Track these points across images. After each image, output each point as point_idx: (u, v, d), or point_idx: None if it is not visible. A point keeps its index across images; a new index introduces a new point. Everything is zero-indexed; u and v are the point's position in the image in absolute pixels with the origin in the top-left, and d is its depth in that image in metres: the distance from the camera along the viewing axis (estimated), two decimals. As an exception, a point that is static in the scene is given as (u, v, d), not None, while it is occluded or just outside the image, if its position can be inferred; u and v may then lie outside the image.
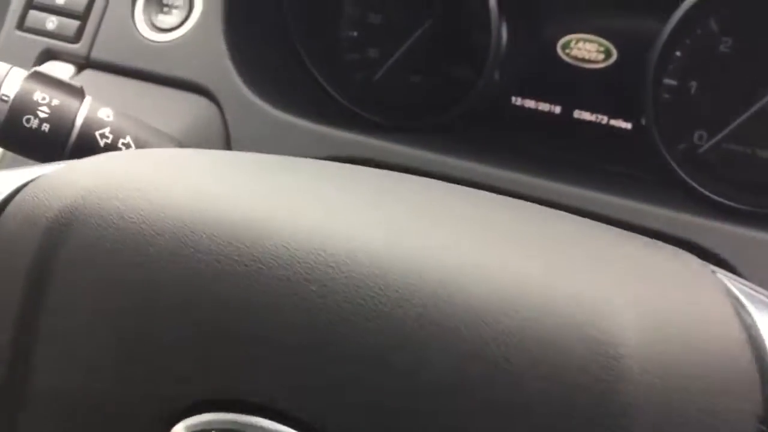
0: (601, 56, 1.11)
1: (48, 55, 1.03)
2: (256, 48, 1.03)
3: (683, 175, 1.02)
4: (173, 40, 0.99)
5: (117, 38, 1.01)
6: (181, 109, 0.95)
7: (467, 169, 0.92)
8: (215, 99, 0.96)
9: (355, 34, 1.21)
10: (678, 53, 1.04)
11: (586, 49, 1.12)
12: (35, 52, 1.03)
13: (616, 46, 1.10)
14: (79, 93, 0.73)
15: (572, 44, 1.12)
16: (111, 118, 0.73)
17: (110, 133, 0.73)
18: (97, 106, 0.73)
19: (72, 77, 1.01)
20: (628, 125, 1.11)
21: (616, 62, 1.10)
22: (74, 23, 1.02)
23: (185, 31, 0.99)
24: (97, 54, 1.01)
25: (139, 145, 0.74)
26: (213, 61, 0.97)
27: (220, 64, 0.97)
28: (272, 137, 0.94)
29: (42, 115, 0.70)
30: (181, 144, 0.79)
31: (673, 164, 1.02)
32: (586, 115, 1.13)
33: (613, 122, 1.12)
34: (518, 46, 1.12)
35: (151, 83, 0.99)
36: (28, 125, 0.70)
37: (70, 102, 0.72)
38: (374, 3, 1.19)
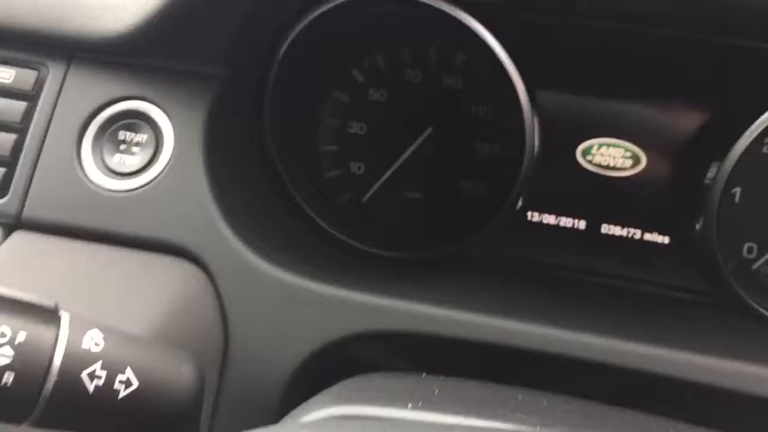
0: (629, 162, 0.97)
1: (-39, 214, 0.78)
2: (239, 186, 0.82)
3: (743, 295, 0.89)
4: (138, 188, 0.76)
5: (59, 189, 0.77)
6: (156, 282, 0.72)
7: (494, 330, 0.73)
8: (201, 262, 0.74)
9: (335, 147, 1.02)
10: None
11: (610, 155, 0.98)
12: (-57, 213, 0.77)
13: (645, 151, 0.97)
14: (52, 316, 0.50)
15: (594, 150, 0.98)
16: (101, 347, 0.51)
17: (102, 369, 0.50)
18: (81, 330, 0.51)
19: (-3, 243, 0.76)
20: (665, 239, 0.97)
21: (645, 169, 0.97)
22: (-3, 171, 0.78)
23: (154, 174, 0.77)
24: (32, 211, 0.77)
25: (143, 378, 0.52)
26: (194, 212, 0.75)
27: (205, 215, 0.75)
28: (279, 309, 0.73)
29: (2, 361, 0.47)
30: (194, 361, 0.57)
31: (734, 284, 0.89)
32: (616, 230, 0.99)
33: (647, 236, 0.98)
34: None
35: (110, 246, 0.75)
36: (-20, 380, 0.46)
37: (42, 333, 0.49)
38: (355, 111, 1.01)
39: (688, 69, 0.92)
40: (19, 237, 0.76)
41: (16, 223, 0.77)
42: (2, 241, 0.76)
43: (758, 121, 0.78)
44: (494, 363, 0.78)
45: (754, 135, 0.79)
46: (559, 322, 0.76)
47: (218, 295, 0.73)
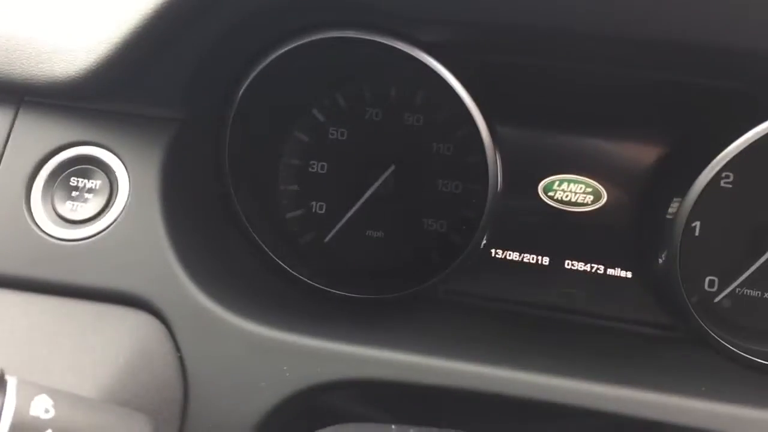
0: (590, 198, 0.97)
1: None
2: (197, 231, 0.80)
3: (707, 328, 0.89)
4: (91, 236, 0.73)
5: (7, 238, 0.73)
6: (111, 336, 0.69)
7: (458, 375, 0.72)
8: (158, 312, 0.71)
9: (295, 187, 1.01)
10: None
11: (571, 190, 0.98)
12: None
13: (605, 186, 0.97)
14: (-3, 382, 0.47)
15: (555, 186, 0.98)
16: (51, 414, 0.48)
17: (53, 437, 0.47)
18: (29, 397, 0.48)
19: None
20: (628, 274, 0.97)
21: (606, 204, 0.97)
22: (-61, 221, 0.74)
23: (108, 221, 0.74)
24: (-23, 262, 0.73)
25: (98, 445, 0.49)
26: (151, 260, 0.72)
27: (162, 262, 0.72)
28: (240, 360, 0.70)
29: (-58, 435, 0.44)
30: (150, 422, 0.54)
31: (697, 317, 0.89)
32: (579, 265, 0.98)
33: (610, 271, 0.98)
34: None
35: (62, 298, 0.72)
36: None
37: (-15, 402, 0.46)
38: (315, 150, 1.00)
39: (648, 106, 0.93)
40: (-37, 291, 0.73)
41: (-40, 276, 0.74)
42: (-55, 296, 0.72)
43: (718, 157, 0.79)
44: (461, 407, 0.76)
45: (715, 170, 0.79)
46: (524, 364, 0.75)
47: (177, 348, 0.70)
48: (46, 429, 0.47)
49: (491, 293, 0.99)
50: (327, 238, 1.00)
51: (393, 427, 0.58)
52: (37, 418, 0.47)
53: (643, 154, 0.95)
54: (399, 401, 0.77)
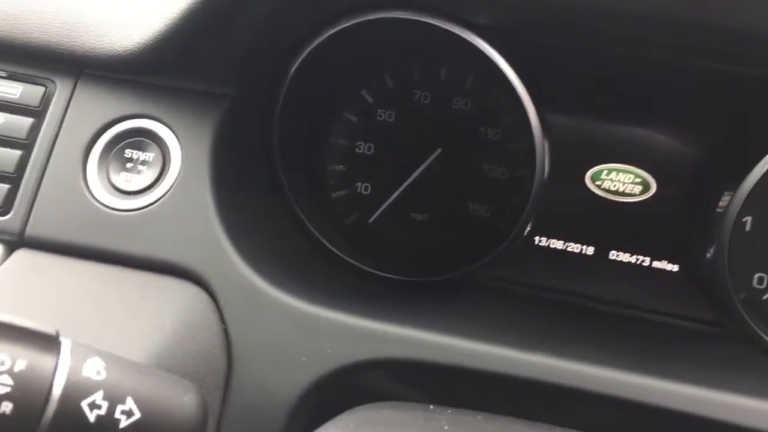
0: (638, 188, 0.96)
1: (-38, 232, 0.77)
2: (246, 207, 0.81)
3: (754, 326, 0.88)
4: (144, 207, 0.75)
5: (64, 207, 0.76)
6: (160, 305, 0.71)
7: (500, 360, 0.72)
8: (206, 285, 0.73)
9: (342, 167, 1.01)
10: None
11: (619, 180, 0.97)
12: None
13: (655, 177, 0.96)
14: (52, 343, 0.49)
15: (603, 175, 0.97)
16: (102, 376, 0.49)
17: (104, 399, 0.49)
18: (82, 358, 0.50)
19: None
20: (674, 267, 0.96)
21: (655, 195, 0.96)
22: (1, 188, 0.76)
23: (161, 193, 0.76)
24: (35, 229, 0.76)
25: (145, 408, 0.50)
26: (200, 233, 0.74)
27: (211, 236, 0.74)
28: (284, 335, 0.71)
29: (0, 390, 0.46)
30: (195, 389, 0.55)
31: (744, 314, 0.87)
32: (625, 256, 0.97)
33: (656, 264, 0.97)
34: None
35: (114, 266, 0.74)
36: (-22, 409, 0.45)
37: (41, 361, 0.48)
38: (363, 131, 1.01)
39: (702, 95, 0.91)
40: (21, 255, 0.75)
41: (18, 241, 0.76)
42: (4, 260, 0.75)
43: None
44: (501, 392, 0.76)
45: (768, 163, 0.78)
46: (564, 352, 0.75)
47: (222, 319, 0.72)
48: (98, 390, 0.49)
49: (533, 281, 0.98)
50: (371, 219, 1.00)
51: (431, 407, 0.59)
52: (89, 379, 0.49)
53: (694, 145, 0.94)
54: (438, 384, 0.77)
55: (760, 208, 0.91)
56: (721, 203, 0.85)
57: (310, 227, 0.93)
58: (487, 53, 0.84)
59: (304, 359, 0.69)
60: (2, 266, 0.74)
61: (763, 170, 0.79)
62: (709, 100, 0.92)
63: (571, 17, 0.77)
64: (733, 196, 0.82)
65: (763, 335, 0.87)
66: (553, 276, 0.98)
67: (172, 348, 0.66)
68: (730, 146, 0.92)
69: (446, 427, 0.50)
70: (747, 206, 0.84)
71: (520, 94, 0.87)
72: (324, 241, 0.93)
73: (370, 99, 1.01)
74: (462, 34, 0.83)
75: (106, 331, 0.65)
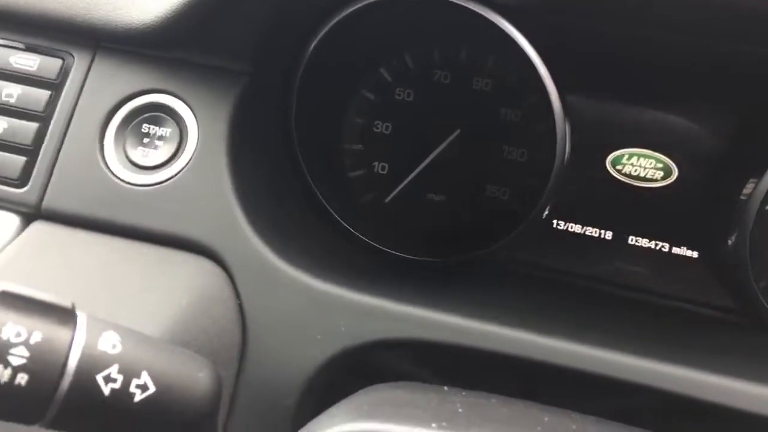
0: (660, 174, 0.95)
1: (-20, 202, 0.77)
2: (262, 184, 0.81)
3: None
4: (160, 182, 0.75)
5: (80, 180, 0.76)
6: (175, 279, 0.71)
7: (516, 343, 0.71)
8: (221, 261, 0.73)
9: (359, 146, 1.01)
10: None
11: (641, 165, 0.95)
12: (-38, 200, 0.76)
13: (677, 163, 0.94)
14: (69, 316, 0.49)
15: (624, 160, 0.96)
16: (118, 350, 0.49)
17: (119, 372, 0.49)
18: (97, 332, 0.49)
19: (15, 233, 0.75)
20: (694, 254, 0.95)
21: (676, 181, 0.94)
22: (18, 160, 0.76)
23: (177, 169, 0.75)
24: (52, 201, 0.76)
25: (160, 383, 0.50)
26: (216, 209, 0.74)
27: (227, 212, 0.74)
28: (298, 312, 0.71)
29: (16, 361, 0.46)
30: (210, 365, 0.55)
31: (764, 302, 0.86)
32: (643, 242, 0.96)
33: (675, 250, 0.95)
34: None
35: (129, 240, 0.74)
36: (-7, 379, 0.45)
37: (57, 333, 0.48)
38: (381, 110, 1.00)
39: (727, 82, 0.90)
40: (37, 227, 0.75)
41: (35, 213, 0.76)
42: (20, 232, 0.75)
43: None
44: (515, 376, 0.76)
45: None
46: (581, 336, 0.74)
47: (237, 295, 0.71)
48: (113, 363, 0.49)
49: (551, 264, 0.97)
50: (387, 199, 1.00)
51: (445, 388, 0.58)
52: (105, 353, 0.49)
53: (718, 131, 0.92)
54: (453, 367, 0.77)
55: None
56: (744, 191, 0.84)
57: (327, 206, 0.93)
58: (508, 32, 0.83)
59: (318, 337, 0.68)
60: (19, 238, 0.74)
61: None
62: (732, 86, 0.90)
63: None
64: (757, 184, 0.81)
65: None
66: (571, 260, 0.97)
67: (186, 322, 0.66)
68: (754, 133, 0.91)
69: (460, 410, 0.49)
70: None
71: (541, 75, 0.85)
72: (340, 220, 0.93)
73: (389, 77, 1.00)
74: (483, 13, 0.81)
75: (121, 305, 0.65)
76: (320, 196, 0.92)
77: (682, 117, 0.94)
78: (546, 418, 0.51)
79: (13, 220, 0.76)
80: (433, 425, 0.45)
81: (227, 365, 0.68)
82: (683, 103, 0.94)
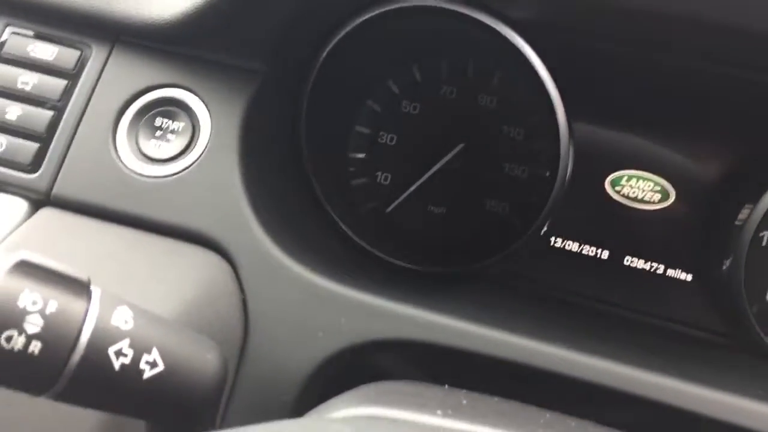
0: (657, 196, 0.97)
1: (-8, 186, 0.78)
2: (270, 183, 0.82)
3: (763, 336, 0.88)
4: (171, 175, 0.76)
5: (91, 169, 0.76)
6: (181, 270, 0.72)
7: (514, 348, 0.72)
8: (227, 254, 0.73)
9: (363, 155, 1.02)
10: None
11: (639, 187, 0.97)
12: (-27, 183, 0.77)
13: (675, 186, 0.96)
14: (84, 289, 0.50)
15: (623, 181, 0.98)
16: (130, 325, 0.50)
17: (130, 347, 0.49)
18: (111, 307, 0.50)
19: (23, 218, 0.76)
20: (688, 276, 0.96)
21: (673, 204, 0.96)
22: (31, 146, 0.77)
23: (188, 163, 0.76)
24: (62, 189, 0.76)
25: (169, 361, 0.51)
26: (225, 204, 0.75)
27: (235, 208, 0.75)
28: (301, 308, 0.72)
29: (31, 329, 0.46)
30: (217, 348, 0.56)
31: (756, 326, 0.88)
32: (639, 263, 0.98)
33: (670, 272, 0.97)
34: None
35: (137, 230, 0.75)
36: (8, 346, 0.46)
37: (72, 305, 0.48)
38: (387, 121, 1.01)
39: (726, 108, 0.92)
40: (46, 213, 0.76)
41: (44, 200, 0.77)
42: (29, 217, 0.75)
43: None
44: (510, 382, 0.77)
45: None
46: (574, 346, 0.75)
47: (241, 289, 0.72)
48: (124, 338, 0.49)
49: (546, 280, 0.99)
50: (389, 209, 1.01)
51: (446, 386, 0.59)
52: (117, 328, 0.50)
53: (717, 157, 0.94)
54: (448, 370, 0.78)
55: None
56: (740, 216, 0.86)
57: (329, 210, 0.94)
58: (520, 49, 0.85)
59: (320, 334, 0.69)
60: (27, 223, 0.74)
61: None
62: (732, 112, 0.93)
63: (610, 18, 0.77)
64: (752, 210, 0.83)
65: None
66: (567, 277, 0.99)
67: (190, 314, 0.67)
68: (752, 160, 0.93)
69: (464, 401, 0.50)
70: (765, 220, 0.85)
71: (550, 94, 0.87)
72: (341, 225, 0.94)
73: (396, 89, 1.01)
74: (495, 26, 0.83)
75: (126, 293, 0.65)
76: (323, 201, 0.94)
77: (681, 142, 0.96)
78: (547, 415, 0.52)
79: (22, 205, 0.77)
80: (439, 412, 0.46)
81: (229, 356, 0.68)
82: (683, 129, 0.96)
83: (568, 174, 0.88)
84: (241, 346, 0.70)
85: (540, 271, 0.99)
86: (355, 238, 0.94)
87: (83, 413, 0.52)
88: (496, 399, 0.56)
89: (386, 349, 0.71)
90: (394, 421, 0.44)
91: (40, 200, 0.77)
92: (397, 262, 0.94)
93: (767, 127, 0.91)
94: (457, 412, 0.47)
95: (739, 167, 0.92)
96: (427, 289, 0.89)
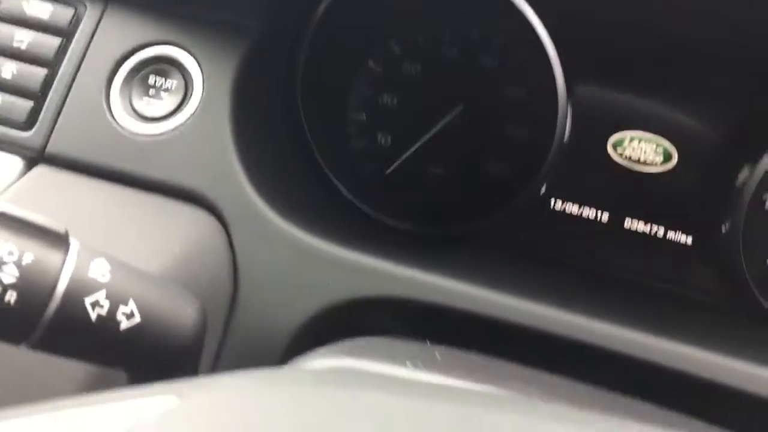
0: (660, 158, 0.95)
1: (-15, 144, 0.79)
2: (263, 142, 0.82)
3: (762, 300, 0.87)
4: (163, 133, 0.76)
5: (84, 127, 0.77)
6: (171, 227, 0.72)
7: (505, 307, 0.72)
8: (218, 212, 0.74)
9: (364, 117, 1.02)
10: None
11: (642, 149, 0.96)
12: (-32, 141, 0.78)
13: (678, 148, 0.95)
14: (61, 241, 0.51)
15: (626, 143, 0.96)
16: (107, 278, 0.51)
17: (106, 299, 0.50)
18: (88, 259, 0.51)
19: (18, 176, 0.77)
20: (689, 239, 0.95)
21: (677, 166, 0.95)
22: (25, 104, 0.78)
23: (180, 121, 0.77)
24: (56, 146, 0.77)
25: (146, 313, 0.52)
26: (216, 163, 0.75)
27: (226, 166, 0.75)
28: (289, 266, 0.72)
29: (7, 279, 0.47)
30: (196, 302, 0.56)
31: (754, 288, 0.87)
32: (639, 225, 0.97)
33: (670, 234, 0.96)
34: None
35: (129, 188, 0.76)
36: (-16, 295, 0.47)
37: (49, 256, 0.49)
38: (388, 82, 1.01)
39: (729, 70, 0.90)
40: (39, 171, 0.77)
41: (38, 157, 0.78)
42: (23, 174, 0.77)
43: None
44: (499, 341, 0.77)
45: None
46: (569, 306, 0.75)
47: (231, 246, 0.73)
48: (100, 290, 0.50)
49: (545, 243, 0.98)
50: (389, 170, 1.01)
51: (427, 342, 0.60)
52: (94, 280, 0.50)
53: (720, 119, 0.92)
54: (439, 330, 0.78)
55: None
56: (740, 177, 0.84)
57: (328, 172, 0.94)
58: (520, 8, 0.84)
59: (306, 290, 0.70)
60: (21, 180, 0.76)
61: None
62: (738, 74, 0.91)
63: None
64: (752, 171, 0.81)
65: (771, 311, 0.87)
66: (567, 239, 0.98)
67: (178, 268, 0.67)
68: (755, 122, 0.91)
69: (438, 356, 0.50)
70: (765, 182, 0.84)
71: (549, 55, 0.86)
72: (339, 186, 0.94)
73: (397, 50, 1.00)
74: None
75: (116, 248, 0.66)
76: (322, 163, 0.94)
77: (686, 104, 0.94)
78: (525, 372, 0.52)
79: (17, 162, 0.78)
80: (408, 364, 0.46)
81: (217, 312, 0.69)
82: (687, 91, 0.94)
83: (566, 134, 0.87)
84: (230, 300, 0.71)
85: (539, 233, 0.99)
86: (354, 200, 0.94)
87: (67, 364, 0.53)
88: (473, 354, 0.56)
89: (374, 307, 0.72)
90: (358, 373, 0.44)
91: (34, 158, 0.78)
92: (395, 223, 0.94)
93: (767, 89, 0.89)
94: (427, 365, 0.47)
95: (741, 129, 0.91)
96: (423, 250, 0.89)
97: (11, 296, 0.47)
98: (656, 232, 0.96)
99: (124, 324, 0.51)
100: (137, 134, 0.76)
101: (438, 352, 0.53)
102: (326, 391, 0.37)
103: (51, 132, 0.77)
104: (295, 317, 0.69)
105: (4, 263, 0.47)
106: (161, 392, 0.37)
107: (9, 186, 0.75)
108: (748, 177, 0.81)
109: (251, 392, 0.36)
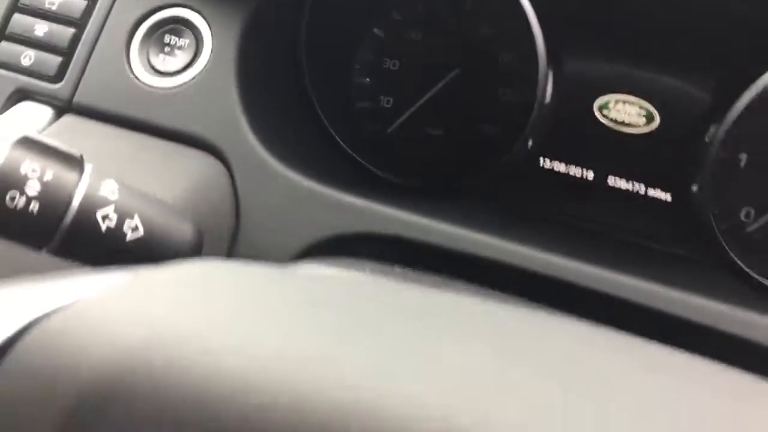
0: (642, 120, 1.01)
1: (21, 95, 0.88)
2: (268, 98, 0.90)
3: (732, 255, 0.93)
4: (176, 86, 0.85)
5: (107, 80, 0.86)
6: (180, 168, 0.81)
7: (491, 247, 0.79)
8: (223, 157, 0.83)
9: (368, 80, 1.09)
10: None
11: (626, 111, 1.02)
12: (6, 92, 0.88)
13: (660, 111, 1.00)
14: (77, 163, 0.59)
15: (611, 105, 1.02)
16: (116, 196, 0.59)
17: (114, 213, 0.59)
18: (99, 179, 0.60)
19: (49, 123, 0.86)
20: (668, 196, 1.01)
21: (658, 128, 1.01)
22: (55, 59, 0.87)
23: (191, 76, 0.85)
24: (81, 97, 0.87)
25: (149, 227, 0.60)
26: (222, 113, 0.83)
27: (231, 116, 0.83)
28: (286, 203, 0.81)
29: (31, 192, 0.56)
30: (195, 223, 0.65)
31: (723, 243, 0.93)
32: (622, 183, 1.03)
33: (651, 192, 1.02)
34: (552, 104, 1.02)
35: (145, 135, 0.85)
36: (12, 204, 0.56)
37: (66, 175, 0.58)
38: (391, 47, 1.08)
39: (710, 36, 0.95)
40: (67, 119, 0.86)
41: (67, 107, 0.87)
42: (53, 122, 0.86)
43: (758, 82, 0.81)
44: (481, 279, 0.84)
45: (753, 94, 0.82)
46: (551, 249, 0.82)
47: (234, 187, 0.81)
48: (110, 205, 0.59)
49: (533, 198, 1.05)
50: (389, 130, 1.08)
51: (396, 268, 0.67)
52: (105, 197, 0.59)
53: (699, 83, 0.98)
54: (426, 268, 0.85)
55: (758, 145, 0.95)
56: (707, 134, 0.90)
57: (331, 130, 1.02)
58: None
59: (302, 226, 0.78)
60: (51, 126, 0.85)
61: (748, 100, 0.83)
62: (712, 39, 0.96)
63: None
64: (718, 127, 0.87)
65: (742, 265, 0.92)
66: (553, 196, 1.04)
67: (185, 201, 0.76)
68: (723, 83, 0.96)
69: (367, 270, 0.58)
70: (741, 142, 0.89)
71: (531, 24, 0.93)
72: (343, 145, 1.02)
73: (399, 17, 1.08)
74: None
75: (130, 182, 0.75)
76: (324, 120, 1.02)
77: (668, 70, 1.00)
78: (483, 293, 0.59)
79: (47, 111, 0.87)
80: (367, 270, 0.54)
81: (221, 243, 0.78)
82: (670, 57, 0.99)
83: (548, 93, 0.94)
84: (233, 234, 0.79)
85: (528, 190, 1.05)
86: (356, 156, 1.02)
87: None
88: (439, 277, 0.64)
89: (362, 242, 0.80)
90: (321, 276, 0.52)
91: (62, 107, 0.87)
92: (394, 178, 1.01)
93: (746, 52, 0.94)
94: (385, 275, 0.55)
95: (715, 92, 0.96)
96: (416, 200, 0.96)
97: (34, 206, 0.56)
98: (638, 189, 1.02)
99: (130, 236, 0.59)
100: (153, 87, 0.85)
101: (402, 270, 0.61)
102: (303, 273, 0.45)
103: (77, 85, 0.87)
104: (290, 250, 0.78)
105: (29, 179, 0.56)
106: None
107: (41, 132, 0.84)
108: (715, 132, 0.86)
109: (229, 265, 0.43)
